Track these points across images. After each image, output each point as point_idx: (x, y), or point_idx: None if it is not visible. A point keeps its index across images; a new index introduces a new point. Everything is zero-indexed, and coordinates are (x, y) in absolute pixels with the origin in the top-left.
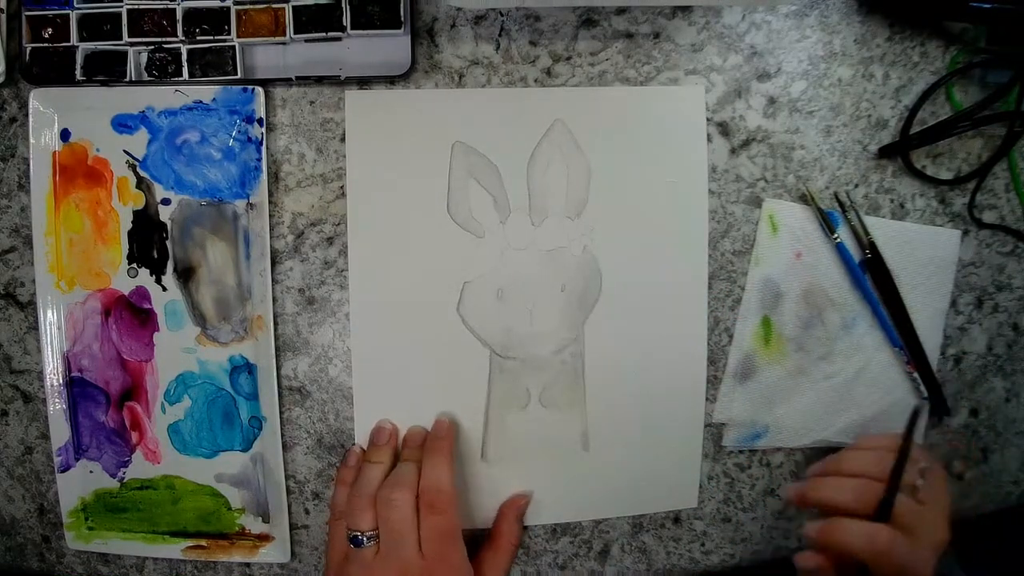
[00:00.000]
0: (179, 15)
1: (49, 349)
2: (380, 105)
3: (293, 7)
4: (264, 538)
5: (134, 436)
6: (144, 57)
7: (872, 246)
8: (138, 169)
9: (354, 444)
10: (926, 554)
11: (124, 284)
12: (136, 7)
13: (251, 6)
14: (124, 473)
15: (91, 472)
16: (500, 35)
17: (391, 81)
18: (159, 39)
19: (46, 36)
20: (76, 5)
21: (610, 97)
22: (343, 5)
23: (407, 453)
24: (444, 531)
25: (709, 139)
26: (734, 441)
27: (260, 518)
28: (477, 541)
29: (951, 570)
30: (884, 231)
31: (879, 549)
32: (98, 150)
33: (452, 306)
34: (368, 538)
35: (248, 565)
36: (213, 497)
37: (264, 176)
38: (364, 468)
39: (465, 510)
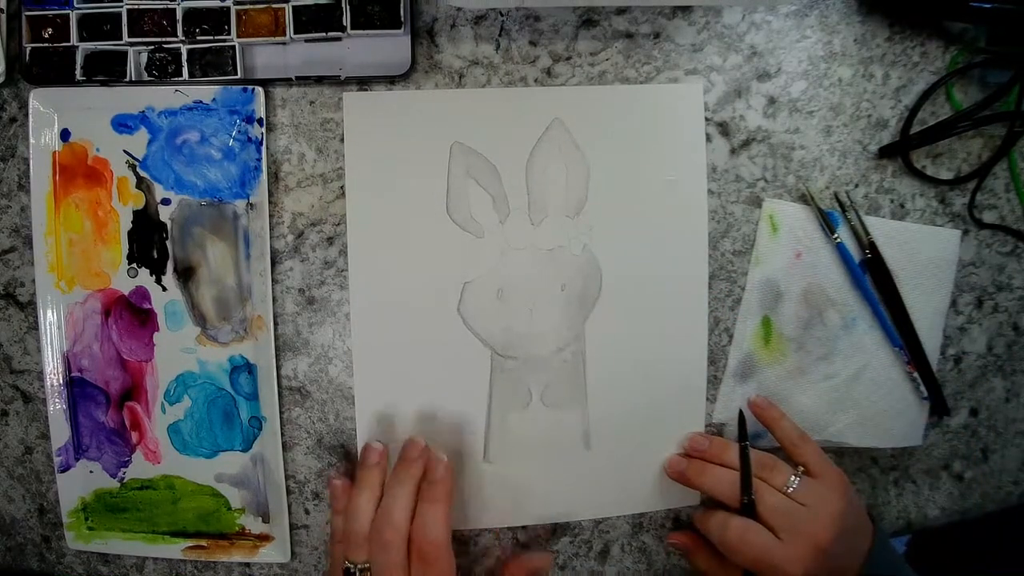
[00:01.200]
0: (179, 15)
1: (49, 349)
2: (378, 106)
3: (293, 7)
4: (264, 538)
5: (134, 436)
6: (144, 57)
7: (872, 246)
8: (138, 169)
9: (334, 478)
10: (797, 551)
11: (124, 284)
12: (136, 7)
13: (251, 6)
14: (124, 473)
15: (91, 472)
16: (500, 35)
17: (391, 81)
18: (159, 39)
19: (46, 36)
20: (76, 5)
21: (608, 96)
22: (343, 5)
23: (402, 473)
24: None
25: (709, 139)
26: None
27: (260, 518)
28: (479, 542)
29: (891, 569)
30: (884, 231)
31: (728, 539)
32: (98, 150)
33: (452, 306)
34: (360, 571)
35: (248, 565)
36: (213, 497)
37: (264, 176)
38: (355, 494)
39: (467, 511)
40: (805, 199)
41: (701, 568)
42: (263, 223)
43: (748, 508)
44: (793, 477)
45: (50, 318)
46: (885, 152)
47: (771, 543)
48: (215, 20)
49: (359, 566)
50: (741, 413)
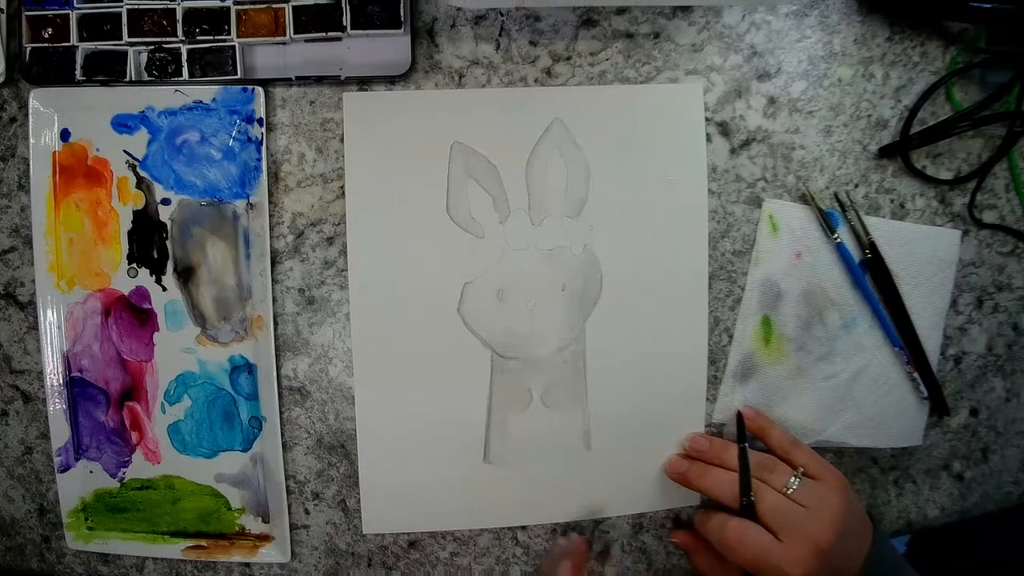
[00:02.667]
0: (179, 15)
1: (49, 349)
2: (378, 106)
3: (293, 7)
4: (264, 538)
5: (134, 436)
6: (144, 57)
7: (872, 246)
8: (138, 169)
9: None
10: (796, 552)
11: (124, 284)
12: (136, 7)
13: (251, 6)
14: (124, 473)
15: (91, 472)
16: (500, 35)
17: (391, 81)
18: (159, 39)
19: (46, 36)
20: (76, 5)
21: (608, 96)
22: (343, 5)
23: None
24: None
25: (709, 139)
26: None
27: (260, 518)
28: (479, 542)
29: (892, 570)
30: (884, 231)
31: (726, 540)
32: (98, 150)
33: (453, 307)
34: None
35: (248, 565)
36: (213, 497)
37: (264, 176)
38: None
39: (467, 511)
40: (805, 199)
41: (701, 568)
42: (263, 223)
43: (748, 509)
44: (793, 478)
45: (50, 318)
46: (885, 152)
47: (770, 543)
48: (215, 20)
49: None
50: (739, 415)
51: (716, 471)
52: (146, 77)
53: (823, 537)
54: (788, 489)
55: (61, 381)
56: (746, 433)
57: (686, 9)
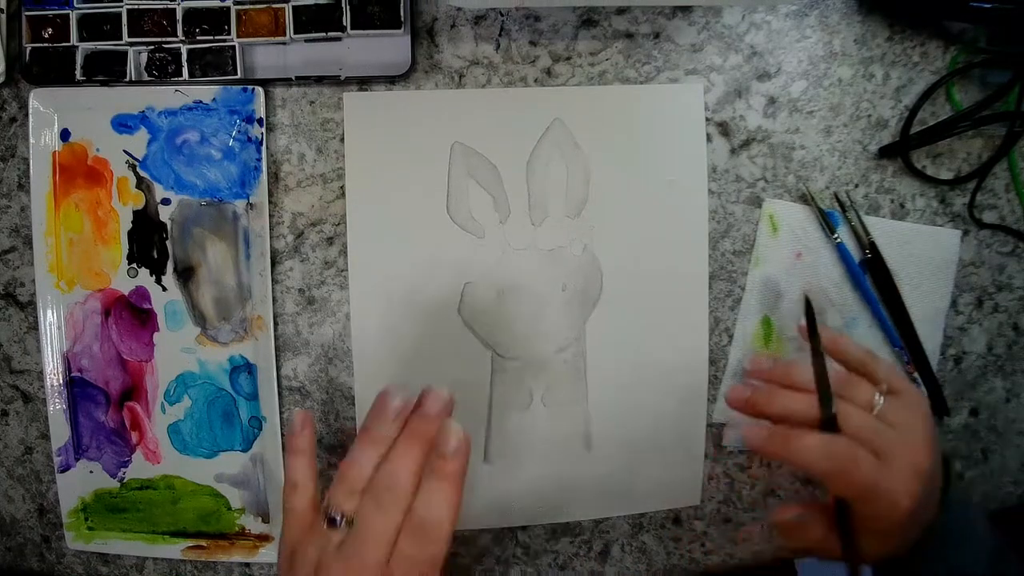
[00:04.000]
0: (179, 15)
1: (49, 349)
2: (378, 106)
3: (293, 7)
4: (264, 538)
5: (134, 436)
6: (144, 57)
7: (872, 246)
8: (138, 169)
9: (299, 409)
10: (902, 476)
11: (124, 284)
12: (136, 7)
13: (251, 6)
14: (124, 473)
15: (91, 472)
16: (500, 35)
17: (391, 81)
18: (159, 39)
19: (46, 36)
20: (76, 5)
21: (609, 96)
22: (343, 5)
23: (418, 429)
24: (426, 562)
25: (709, 139)
26: (734, 441)
27: (260, 518)
28: (479, 542)
29: (963, 515)
30: (884, 231)
31: (838, 462)
32: (98, 150)
33: (453, 307)
34: (346, 522)
35: (248, 565)
36: (213, 497)
37: (264, 176)
38: (362, 443)
39: (467, 511)
40: (805, 199)
41: (810, 541)
42: (263, 223)
43: (830, 425)
44: (878, 396)
45: (50, 318)
46: (885, 152)
47: (881, 468)
48: (215, 20)
49: (346, 516)
50: (807, 299)
51: (786, 392)
52: (146, 77)
53: (921, 459)
54: (874, 408)
55: (61, 381)
56: (816, 320)
57: (686, 9)
